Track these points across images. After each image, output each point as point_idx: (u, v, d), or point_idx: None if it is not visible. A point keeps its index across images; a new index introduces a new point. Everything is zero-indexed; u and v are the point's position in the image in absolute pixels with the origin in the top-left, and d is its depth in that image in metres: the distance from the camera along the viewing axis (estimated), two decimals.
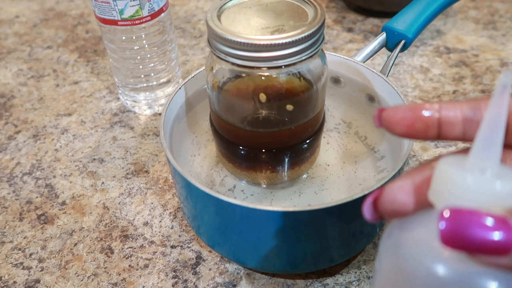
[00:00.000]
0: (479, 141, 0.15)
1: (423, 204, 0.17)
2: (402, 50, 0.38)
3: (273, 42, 0.26)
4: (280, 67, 0.27)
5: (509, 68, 0.15)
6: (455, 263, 0.15)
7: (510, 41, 0.55)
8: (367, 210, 0.18)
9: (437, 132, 0.18)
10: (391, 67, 0.37)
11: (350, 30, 0.59)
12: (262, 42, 0.26)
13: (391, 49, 0.39)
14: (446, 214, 0.14)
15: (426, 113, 0.18)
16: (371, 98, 0.37)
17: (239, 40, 0.26)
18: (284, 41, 0.26)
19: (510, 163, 0.17)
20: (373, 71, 0.35)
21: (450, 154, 0.17)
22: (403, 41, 0.38)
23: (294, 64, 0.27)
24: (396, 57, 0.37)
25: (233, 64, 0.27)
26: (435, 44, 0.55)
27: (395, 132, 0.18)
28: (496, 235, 0.13)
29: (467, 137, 0.17)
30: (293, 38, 0.26)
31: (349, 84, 0.38)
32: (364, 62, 0.37)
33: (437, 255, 0.15)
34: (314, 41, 0.27)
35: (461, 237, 0.14)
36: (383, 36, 0.38)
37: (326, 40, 0.57)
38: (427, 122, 0.18)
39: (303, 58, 0.27)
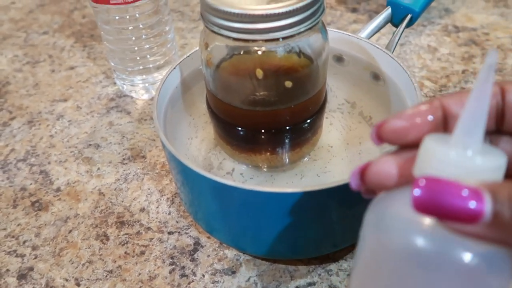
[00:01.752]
0: (464, 120, 0.15)
1: (408, 180, 0.17)
2: (408, 25, 0.36)
3: (269, 12, 0.24)
4: (277, 39, 0.26)
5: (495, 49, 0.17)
6: (432, 236, 0.15)
7: None
8: (353, 179, 0.18)
9: (443, 129, 0.18)
10: (397, 43, 0.35)
11: (354, 10, 0.56)
12: (257, 12, 0.24)
13: (396, 25, 0.37)
14: (421, 182, 0.14)
15: (433, 114, 0.17)
16: (376, 76, 0.35)
17: (232, 10, 0.24)
18: (280, 11, 0.24)
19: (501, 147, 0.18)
20: (378, 47, 0.34)
21: (437, 133, 0.17)
22: (409, 16, 0.36)
23: (292, 36, 0.26)
24: (402, 32, 0.36)
25: (227, 37, 0.26)
26: (443, 23, 0.53)
27: (404, 142, 0.17)
28: (467, 204, 0.14)
29: None
30: (290, 8, 0.24)
31: (353, 62, 0.36)
32: (368, 39, 0.35)
33: (414, 227, 0.15)
34: (312, 12, 0.26)
35: (433, 203, 0.14)
36: (388, 10, 0.37)
37: (329, 21, 0.55)
38: (436, 122, 0.17)
39: (302, 30, 0.26)
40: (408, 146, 0.18)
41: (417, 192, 0.14)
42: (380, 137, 0.18)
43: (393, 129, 0.17)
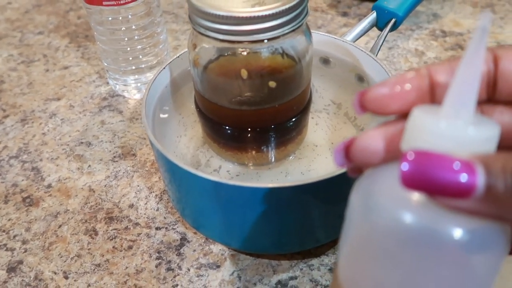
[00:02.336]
0: (455, 88, 0.14)
1: (395, 155, 0.16)
2: (392, 29, 0.37)
3: (253, 14, 0.25)
4: (262, 41, 0.27)
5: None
6: (421, 211, 0.14)
7: (508, 24, 0.54)
8: (337, 156, 0.17)
9: (430, 98, 0.16)
10: (381, 46, 0.36)
11: (345, 14, 0.58)
12: (242, 15, 0.25)
13: (381, 29, 0.38)
14: (410, 156, 0.13)
15: (418, 82, 0.16)
16: (361, 78, 0.36)
17: (219, 13, 0.25)
18: (265, 13, 0.25)
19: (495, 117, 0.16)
20: (362, 50, 0.35)
21: (426, 104, 0.16)
22: (393, 20, 0.37)
23: (276, 38, 0.27)
24: (386, 36, 0.37)
25: (214, 39, 0.27)
26: (431, 28, 0.54)
27: (388, 112, 0.16)
28: (459, 177, 0.13)
29: None
30: (274, 11, 0.25)
31: (339, 64, 0.37)
32: (354, 42, 0.37)
33: (402, 204, 0.14)
34: (296, 15, 0.27)
35: (422, 178, 0.13)
36: (373, 15, 0.38)
37: (320, 25, 0.56)
38: (422, 90, 0.16)
39: (286, 31, 0.27)
40: (392, 114, 0.17)
41: (405, 166, 0.13)
42: (362, 106, 0.17)
43: (376, 96, 0.16)
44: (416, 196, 0.14)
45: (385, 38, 0.36)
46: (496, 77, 0.16)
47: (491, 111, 0.17)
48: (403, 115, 0.16)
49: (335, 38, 0.36)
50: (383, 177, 0.16)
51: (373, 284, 0.16)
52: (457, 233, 0.14)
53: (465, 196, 0.13)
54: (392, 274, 0.16)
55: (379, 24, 0.38)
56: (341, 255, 0.18)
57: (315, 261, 0.31)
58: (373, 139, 0.16)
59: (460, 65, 0.14)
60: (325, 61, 0.38)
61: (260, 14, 0.25)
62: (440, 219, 0.14)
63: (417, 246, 0.14)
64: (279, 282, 0.30)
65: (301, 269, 0.30)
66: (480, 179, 0.13)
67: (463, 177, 0.13)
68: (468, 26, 0.54)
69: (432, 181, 0.13)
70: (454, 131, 0.14)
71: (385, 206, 0.15)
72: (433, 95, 0.16)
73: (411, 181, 0.13)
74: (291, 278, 0.30)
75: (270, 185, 0.26)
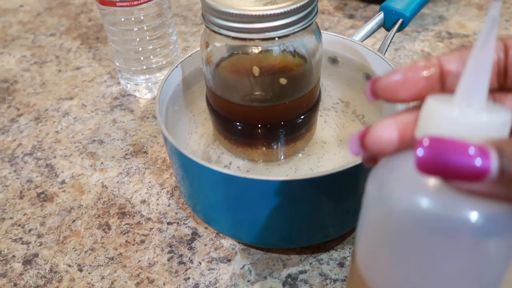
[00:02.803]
0: (467, 76, 0.15)
1: (409, 144, 0.16)
2: (400, 29, 0.38)
3: (265, 12, 0.26)
4: (273, 39, 0.27)
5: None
6: (436, 197, 0.15)
7: None
8: (352, 145, 0.18)
9: (440, 87, 0.17)
10: (388, 46, 0.37)
11: (351, 16, 0.58)
12: (254, 13, 0.26)
13: (388, 29, 0.38)
14: (425, 142, 0.14)
15: (428, 70, 0.17)
16: (368, 77, 0.36)
17: (231, 11, 0.26)
18: (276, 11, 0.26)
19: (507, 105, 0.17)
20: (370, 49, 0.35)
21: (439, 93, 0.17)
22: (400, 20, 0.37)
23: (287, 36, 0.27)
24: (393, 36, 0.37)
25: (226, 36, 0.28)
26: (437, 30, 0.55)
27: (398, 99, 0.17)
28: (474, 161, 0.13)
29: None
30: (286, 9, 0.26)
31: (347, 63, 0.38)
32: (361, 42, 0.37)
33: (418, 189, 0.15)
34: (306, 13, 0.27)
35: (437, 163, 0.13)
36: (380, 15, 0.38)
37: (327, 27, 0.56)
38: (432, 79, 0.17)
39: (296, 30, 0.27)
40: (403, 101, 0.17)
41: (420, 152, 0.14)
42: (374, 93, 0.17)
43: (387, 84, 0.17)
44: (431, 182, 0.15)
45: (392, 38, 0.37)
46: (506, 65, 0.17)
47: (503, 98, 0.18)
48: (417, 107, 0.17)
49: (343, 38, 0.37)
50: (398, 165, 0.16)
51: (391, 270, 0.17)
52: (473, 216, 0.14)
53: (479, 179, 0.13)
54: (409, 259, 0.16)
55: (386, 25, 0.38)
56: (359, 243, 0.18)
57: (324, 256, 0.31)
58: (387, 129, 0.17)
59: (471, 54, 0.14)
60: (333, 60, 0.38)
61: (272, 12, 0.26)
62: (455, 203, 0.14)
63: (433, 231, 0.15)
64: (289, 275, 0.30)
65: (311, 263, 0.31)
66: (493, 163, 0.13)
67: (478, 161, 0.13)
68: (474, 28, 0.55)
69: (447, 166, 0.13)
70: (468, 118, 0.14)
71: (401, 193, 0.15)
72: (443, 83, 0.17)
73: (427, 166, 0.14)
74: (301, 272, 0.30)
75: (281, 178, 0.26)
